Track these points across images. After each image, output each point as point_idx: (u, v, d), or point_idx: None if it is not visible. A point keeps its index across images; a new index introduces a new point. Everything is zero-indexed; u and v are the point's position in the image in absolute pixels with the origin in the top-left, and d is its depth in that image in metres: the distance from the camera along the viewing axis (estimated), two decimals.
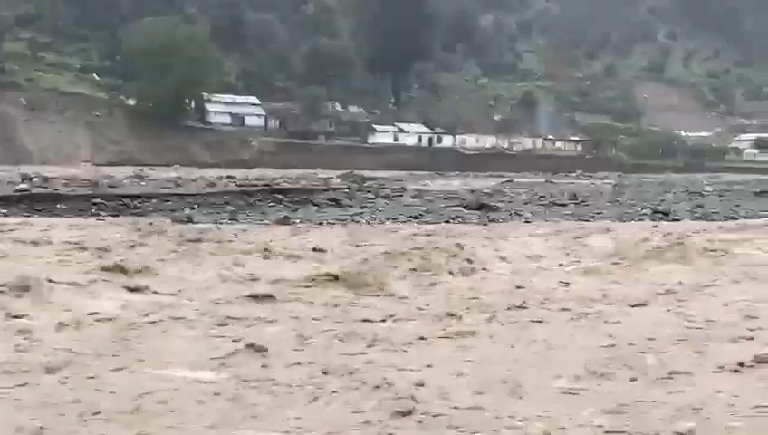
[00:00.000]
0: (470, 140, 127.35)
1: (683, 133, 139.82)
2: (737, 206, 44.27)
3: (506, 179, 76.11)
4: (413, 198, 49.98)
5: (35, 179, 56.90)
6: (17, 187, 48.99)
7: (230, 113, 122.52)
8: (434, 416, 7.50)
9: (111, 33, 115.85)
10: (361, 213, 37.94)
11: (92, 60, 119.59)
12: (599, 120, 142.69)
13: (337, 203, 43.75)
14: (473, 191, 55.45)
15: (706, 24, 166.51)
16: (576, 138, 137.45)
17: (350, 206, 42.53)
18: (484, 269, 16.32)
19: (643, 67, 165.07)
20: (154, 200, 41.61)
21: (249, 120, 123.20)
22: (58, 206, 37.56)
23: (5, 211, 34.21)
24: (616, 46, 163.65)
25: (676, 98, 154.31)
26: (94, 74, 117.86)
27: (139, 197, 42.95)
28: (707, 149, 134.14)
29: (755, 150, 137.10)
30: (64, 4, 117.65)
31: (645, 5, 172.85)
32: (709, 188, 64.12)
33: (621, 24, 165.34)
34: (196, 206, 39.47)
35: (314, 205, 42.47)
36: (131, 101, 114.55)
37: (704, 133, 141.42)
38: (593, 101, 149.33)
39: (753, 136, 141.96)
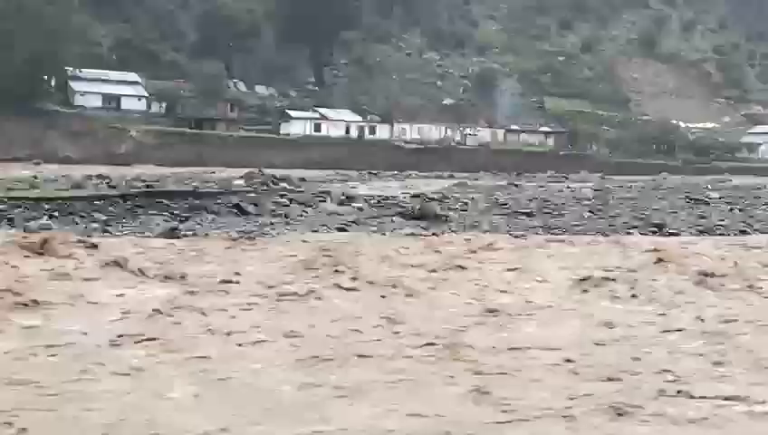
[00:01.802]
0: (412, 131, 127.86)
1: (682, 124, 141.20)
2: (751, 217, 44.94)
3: (458, 181, 76.41)
4: (339, 204, 50.34)
5: None
6: None
7: (102, 94, 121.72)
8: None
9: None
10: (271, 224, 39.64)
11: None
12: (575, 106, 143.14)
13: (240, 211, 45.25)
14: (416, 196, 56.16)
15: None
16: (547, 129, 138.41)
17: (258, 214, 42.60)
18: None
19: (631, 40, 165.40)
20: (1, 206, 41.45)
21: (126, 103, 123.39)
22: None
23: None
24: (597, 13, 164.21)
25: (673, 80, 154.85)
26: None
27: None
28: (713, 145, 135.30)
29: None
30: None
31: None
32: (715, 195, 65.06)
33: None
34: (56, 213, 39.06)
35: (211, 213, 42.44)
36: None
37: (709, 124, 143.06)
38: (568, 82, 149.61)
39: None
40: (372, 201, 52.63)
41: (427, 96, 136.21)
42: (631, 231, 38.02)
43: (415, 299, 21.03)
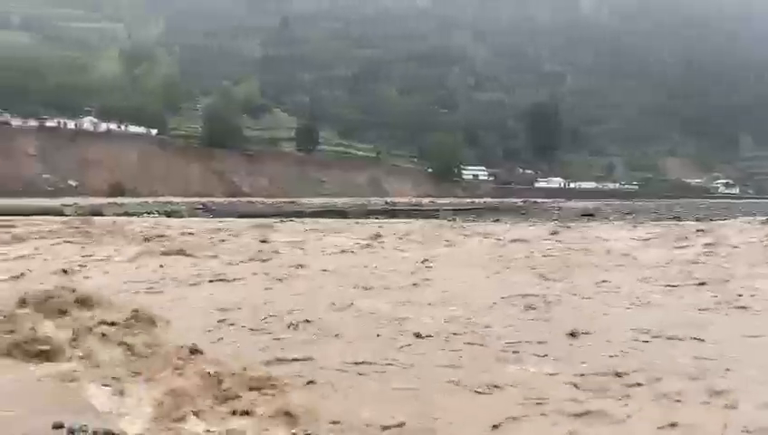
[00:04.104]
0: (583, 185, 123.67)
1: (689, 181, 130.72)
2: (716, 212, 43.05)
3: (598, 203, 74.19)
4: (557, 210, 49.93)
5: (390, 201, 60.67)
6: (383, 205, 51.68)
7: (472, 174, 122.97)
8: None
9: (421, 142, 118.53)
10: (529, 218, 36.66)
11: (414, 153, 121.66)
12: (647, 175, 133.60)
13: (520, 214, 43.65)
14: (586, 208, 54.40)
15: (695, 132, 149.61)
16: (636, 182, 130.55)
17: (529, 215, 42.98)
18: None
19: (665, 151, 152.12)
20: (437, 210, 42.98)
21: (481, 177, 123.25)
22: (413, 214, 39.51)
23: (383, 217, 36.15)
24: (656, 139, 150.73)
25: (684, 166, 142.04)
26: (414, 158, 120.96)
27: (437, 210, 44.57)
28: (698, 189, 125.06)
29: (724, 189, 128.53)
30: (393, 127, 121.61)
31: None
32: (704, 206, 61.27)
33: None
34: (456, 215, 39.13)
35: (509, 216, 42.63)
36: (430, 169, 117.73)
37: (697, 180, 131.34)
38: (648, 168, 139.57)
39: (723, 181, 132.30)
40: (568, 209, 52.10)
41: (587, 171, 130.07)
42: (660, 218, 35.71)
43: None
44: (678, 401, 4.02)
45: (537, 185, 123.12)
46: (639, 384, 4.33)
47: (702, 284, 8.53)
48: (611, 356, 5.05)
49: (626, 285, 8.51)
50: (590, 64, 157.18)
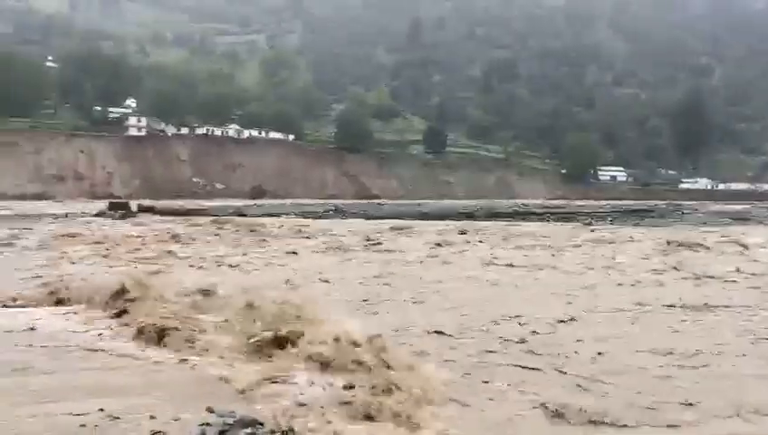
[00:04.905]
0: (733, 186, 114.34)
1: None
2: None
3: (750, 204, 68.77)
4: (702, 214, 47.88)
5: (527, 204, 60.02)
6: (514, 208, 50.97)
7: (610, 175, 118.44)
8: None
9: (554, 142, 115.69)
10: (664, 220, 36.44)
11: (546, 154, 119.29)
12: None
13: (658, 216, 42.43)
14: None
15: None
16: None
17: (659, 216, 41.48)
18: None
19: None
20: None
21: (619, 178, 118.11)
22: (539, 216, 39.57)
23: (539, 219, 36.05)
24: None
25: None
26: (546, 160, 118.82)
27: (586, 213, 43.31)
28: None
29: None
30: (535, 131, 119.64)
31: None
32: None
33: None
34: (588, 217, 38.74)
35: (646, 217, 41.40)
36: (564, 171, 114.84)
37: None
38: None
39: None
40: (710, 212, 49.17)
41: (738, 172, 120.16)
42: None
43: None
44: None
45: (681, 186, 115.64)
46: None
47: None
48: None
49: None
50: (742, 56, 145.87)
